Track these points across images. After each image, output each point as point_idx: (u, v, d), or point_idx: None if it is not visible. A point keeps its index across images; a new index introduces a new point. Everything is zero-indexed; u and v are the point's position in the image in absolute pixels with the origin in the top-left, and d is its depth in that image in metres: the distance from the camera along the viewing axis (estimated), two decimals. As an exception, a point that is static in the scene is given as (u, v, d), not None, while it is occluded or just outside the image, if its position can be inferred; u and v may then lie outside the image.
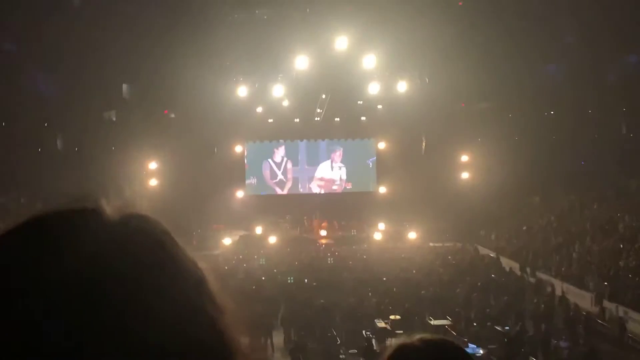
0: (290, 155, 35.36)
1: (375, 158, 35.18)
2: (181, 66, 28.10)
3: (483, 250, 27.14)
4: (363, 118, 34.62)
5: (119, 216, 0.68)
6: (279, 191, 35.14)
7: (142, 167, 31.15)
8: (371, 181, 35.21)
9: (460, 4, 29.15)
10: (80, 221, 0.66)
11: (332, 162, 35.36)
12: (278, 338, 16.39)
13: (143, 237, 0.67)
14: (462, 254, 26.21)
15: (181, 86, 29.63)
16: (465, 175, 32.49)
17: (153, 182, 30.90)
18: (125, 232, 0.67)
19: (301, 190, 35.16)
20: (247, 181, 35.00)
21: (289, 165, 35.32)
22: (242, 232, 30.87)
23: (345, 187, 35.34)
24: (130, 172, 28.56)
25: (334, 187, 35.29)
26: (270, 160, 35.32)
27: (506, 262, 24.77)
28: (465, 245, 27.98)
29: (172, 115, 33.38)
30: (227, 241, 29.28)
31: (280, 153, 35.32)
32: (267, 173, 35.25)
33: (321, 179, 35.25)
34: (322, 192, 35.12)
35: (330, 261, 25.18)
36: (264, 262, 25.35)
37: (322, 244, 29.90)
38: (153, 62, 28.20)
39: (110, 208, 0.69)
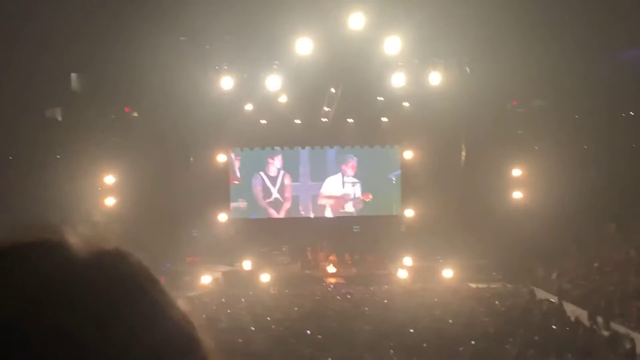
0: (289, 167, 35.53)
1: (399, 172, 35.21)
2: (147, 50, 28.19)
3: (541, 294, 27.10)
4: (384, 119, 34.80)
5: (89, 252, 0.74)
6: (274, 214, 35.24)
7: (96, 181, 31.19)
8: (394, 202, 35.26)
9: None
10: (41, 257, 0.72)
11: (343, 176, 35.42)
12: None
13: (118, 280, 0.72)
14: (514, 299, 26.16)
15: (147, 76, 29.69)
16: (517, 194, 32.51)
17: (109, 202, 30.96)
18: (96, 273, 0.72)
19: (302, 212, 35.30)
20: (233, 204, 35.09)
21: (287, 181, 35.49)
22: (225, 268, 30.84)
23: (360, 209, 35.42)
24: (80, 188, 28.60)
25: (346, 209, 35.26)
26: (262, 173, 35.45)
27: (571, 310, 24.63)
28: (518, 287, 28.00)
29: (135, 114, 33.55)
30: (205, 279, 29.26)
31: (276, 164, 35.43)
32: (258, 190, 35.32)
33: (329, 197, 35.32)
34: (331, 215, 35.15)
35: (341, 306, 25.17)
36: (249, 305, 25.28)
37: (330, 283, 30.02)
38: (110, 45, 28.30)
39: (77, 240, 0.74)
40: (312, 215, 35.09)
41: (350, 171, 35.48)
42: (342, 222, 34.64)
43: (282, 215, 35.21)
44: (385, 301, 25.66)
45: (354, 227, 34.18)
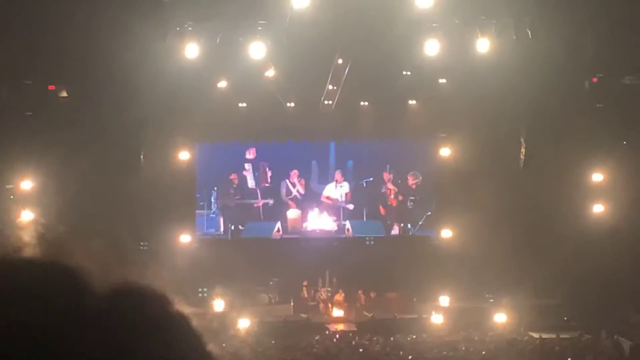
0: (277, 164, 35.63)
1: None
2: (80, 4, 28.04)
3: (631, 347, 26.90)
4: (412, 102, 34.90)
5: (109, 290, 1.16)
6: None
7: (8, 188, 31.04)
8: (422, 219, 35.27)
9: None
10: (57, 299, 1.11)
11: (339, 180, 35.60)
12: None
13: (140, 327, 1.12)
14: (594, 354, 26.06)
15: (79, 41, 29.53)
16: (598, 208, 32.37)
17: (26, 215, 30.66)
18: (116, 318, 1.10)
19: (297, 228, 35.42)
20: (200, 218, 34.80)
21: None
22: (188, 309, 30.65)
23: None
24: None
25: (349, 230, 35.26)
26: (244, 172, 35.54)
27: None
28: (599, 337, 27.93)
29: (64, 94, 33.50)
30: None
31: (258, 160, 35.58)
32: (230, 196, 35.47)
33: (328, 198, 35.67)
34: (335, 232, 35.32)
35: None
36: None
37: (336, 331, 30.01)
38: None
39: (97, 277, 1.16)
40: (313, 233, 35.20)
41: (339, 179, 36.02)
42: (351, 247, 34.61)
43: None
44: (411, 357, 25.48)
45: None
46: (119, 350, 1.09)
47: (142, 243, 31.41)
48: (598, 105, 32.38)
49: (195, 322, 1.30)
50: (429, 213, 35.28)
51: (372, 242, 35.17)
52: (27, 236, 1.24)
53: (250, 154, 35.51)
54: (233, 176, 35.47)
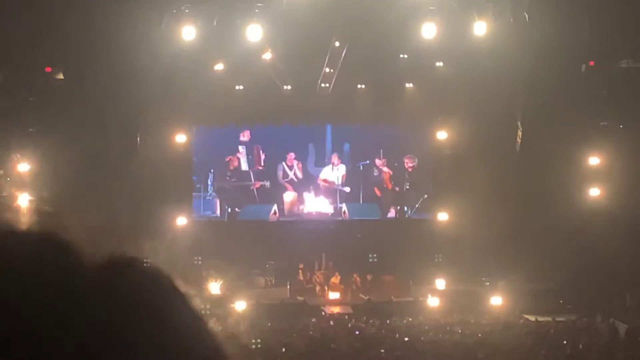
0: (274, 147, 35.66)
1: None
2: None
3: (627, 331, 26.89)
4: (409, 85, 34.86)
5: (105, 264, 1.14)
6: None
7: (5, 169, 31.02)
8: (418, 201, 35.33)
9: None
10: (51, 264, 1.09)
11: (336, 163, 35.69)
12: None
13: (137, 303, 1.10)
14: (589, 337, 26.06)
15: (76, 23, 29.48)
16: (594, 192, 32.41)
17: (24, 199, 30.61)
18: (112, 293, 1.10)
19: (294, 210, 35.47)
20: (197, 200, 34.93)
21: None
22: (186, 288, 30.76)
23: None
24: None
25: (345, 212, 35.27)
26: (238, 155, 35.56)
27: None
28: (595, 320, 27.96)
29: (60, 77, 33.45)
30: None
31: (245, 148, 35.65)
32: (227, 179, 35.57)
33: (324, 181, 35.69)
34: (331, 215, 35.32)
35: (347, 347, 25.02)
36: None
37: (332, 314, 30.03)
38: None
39: (92, 251, 1.14)
40: (309, 215, 35.24)
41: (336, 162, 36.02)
42: (347, 229, 34.65)
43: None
44: (407, 339, 25.64)
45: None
46: (113, 325, 1.08)
47: (139, 224, 31.50)
48: (595, 88, 32.32)
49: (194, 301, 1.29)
50: (426, 196, 35.25)
51: (359, 236, 34.81)
52: (21, 212, 1.21)
53: (244, 137, 35.46)
54: (229, 159, 35.44)
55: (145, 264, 1.19)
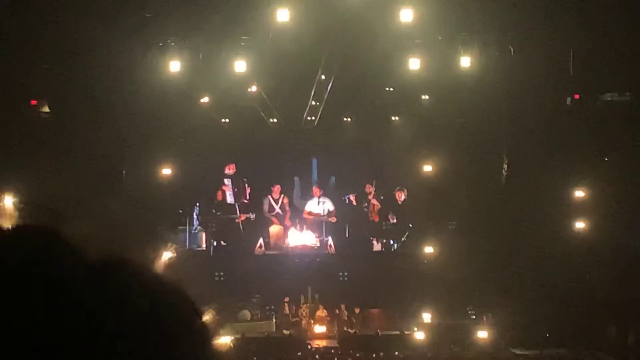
0: (259, 180, 35.68)
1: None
2: (62, 18, 27.97)
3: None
4: (395, 118, 35.14)
5: (99, 259, 1.13)
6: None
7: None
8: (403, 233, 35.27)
9: None
10: (49, 261, 1.07)
11: (318, 194, 35.58)
12: None
13: (130, 293, 1.05)
14: (576, 372, 26.15)
15: (62, 56, 29.51)
16: (579, 225, 32.38)
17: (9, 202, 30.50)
18: (109, 283, 1.06)
19: (280, 244, 35.35)
20: (182, 234, 34.93)
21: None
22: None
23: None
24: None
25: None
26: (223, 188, 35.38)
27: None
28: (579, 353, 28.26)
29: (45, 109, 33.39)
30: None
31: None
32: (212, 212, 35.44)
33: (310, 214, 35.61)
34: (317, 248, 35.18)
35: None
36: None
37: (318, 347, 30.00)
38: (8, 10, 28.08)
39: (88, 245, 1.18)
40: (295, 249, 35.04)
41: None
42: (334, 263, 34.41)
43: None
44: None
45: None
46: (106, 322, 1.07)
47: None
48: (580, 121, 32.40)
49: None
50: (410, 225, 35.15)
51: (346, 278, 34.38)
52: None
53: (229, 170, 35.36)
54: (218, 192, 35.35)
55: (140, 266, 1.22)
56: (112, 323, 1.07)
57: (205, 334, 1.29)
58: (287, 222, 35.37)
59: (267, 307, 32.62)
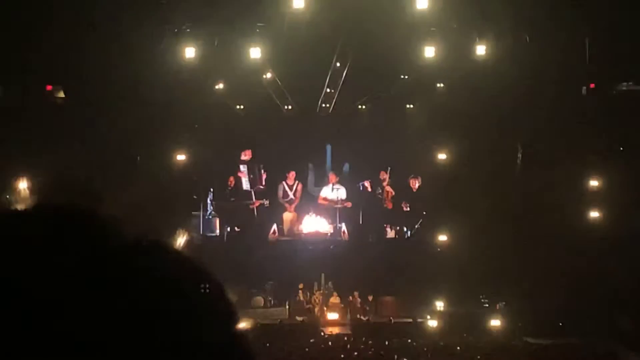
0: (274, 166, 35.64)
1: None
2: (78, 4, 27.98)
3: (631, 357, 27.15)
4: (409, 106, 35.08)
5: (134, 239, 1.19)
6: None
7: (4, 187, 30.89)
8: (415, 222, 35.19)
9: None
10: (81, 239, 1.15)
11: (334, 181, 35.55)
12: None
13: (168, 272, 1.15)
14: (589, 360, 25.94)
15: (77, 42, 29.44)
16: (594, 214, 32.35)
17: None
18: (140, 259, 1.14)
19: (293, 230, 35.32)
20: (196, 220, 34.93)
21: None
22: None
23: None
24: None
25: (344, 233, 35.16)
26: (239, 174, 35.36)
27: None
28: (595, 343, 27.92)
29: (61, 95, 33.45)
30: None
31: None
32: (226, 198, 35.43)
33: (324, 200, 35.60)
34: (330, 235, 35.13)
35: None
36: None
37: (330, 334, 29.92)
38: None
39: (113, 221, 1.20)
40: (308, 235, 34.98)
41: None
42: (347, 251, 34.38)
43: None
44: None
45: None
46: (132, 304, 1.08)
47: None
48: (595, 111, 32.31)
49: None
50: (425, 213, 35.05)
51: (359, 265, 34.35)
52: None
53: (245, 156, 35.30)
54: (230, 178, 35.31)
55: (171, 246, 1.23)
56: (154, 302, 1.09)
57: (235, 316, 1.30)
58: (301, 208, 35.36)
59: (280, 294, 32.69)
